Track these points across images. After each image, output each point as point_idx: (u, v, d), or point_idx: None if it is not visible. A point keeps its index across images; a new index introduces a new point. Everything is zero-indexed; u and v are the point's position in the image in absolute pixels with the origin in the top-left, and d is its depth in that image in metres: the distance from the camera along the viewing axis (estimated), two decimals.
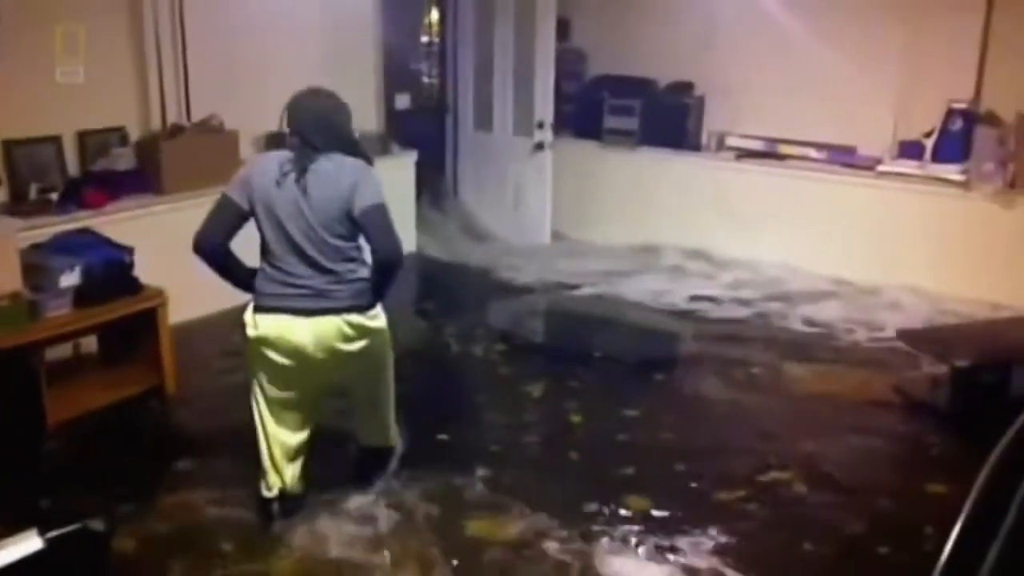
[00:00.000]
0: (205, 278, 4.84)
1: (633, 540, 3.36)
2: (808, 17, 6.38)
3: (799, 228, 6.39)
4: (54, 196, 4.78)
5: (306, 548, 3.29)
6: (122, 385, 4.35)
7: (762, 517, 3.56)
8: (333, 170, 3.18)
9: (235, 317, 5.23)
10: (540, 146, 6.96)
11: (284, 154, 3.23)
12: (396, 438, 3.76)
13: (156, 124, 5.34)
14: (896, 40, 6.15)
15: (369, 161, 3.34)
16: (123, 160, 5.14)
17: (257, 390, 3.37)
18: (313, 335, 3.22)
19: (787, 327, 5.57)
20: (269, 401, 3.37)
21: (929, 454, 4.09)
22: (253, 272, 3.34)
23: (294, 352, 3.24)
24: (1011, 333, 4.83)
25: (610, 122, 7.07)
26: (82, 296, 4.09)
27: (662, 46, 6.99)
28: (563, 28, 7.22)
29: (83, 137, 5.06)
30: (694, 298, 6.02)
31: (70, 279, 4.07)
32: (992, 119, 5.89)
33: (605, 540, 3.35)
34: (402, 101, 7.16)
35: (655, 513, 3.53)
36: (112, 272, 4.22)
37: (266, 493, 3.45)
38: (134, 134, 5.27)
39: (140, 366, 4.44)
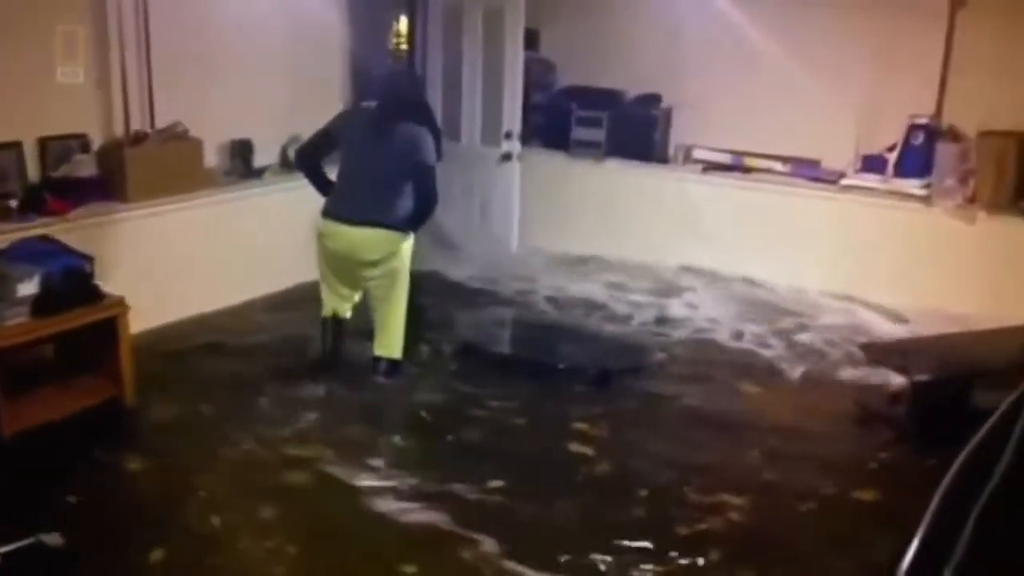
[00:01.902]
0: (168, 286, 4.88)
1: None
2: (773, 32, 6.42)
3: (764, 241, 6.43)
4: (13, 203, 4.71)
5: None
6: (80, 396, 4.27)
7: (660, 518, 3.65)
8: (403, 133, 4.48)
9: (197, 325, 5.30)
10: (508, 156, 6.95)
11: (372, 110, 4.61)
12: (400, 353, 4.77)
13: (119, 131, 5.27)
14: (860, 55, 6.22)
15: (433, 124, 4.66)
16: (85, 167, 5.07)
17: (320, 266, 4.71)
18: (354, 238, 4.50)
19: (747, 339, 5.59)
20: (324, 275, 4.72)
21: (879, 467, 4.14)
22: (331, 184, 4.68)
23: (339, 246, 4.55)
24: (971, 347, 4.88)
25: (578, 133, 7.07)
26: (41, 305, 4.02)
27: (630, 58, 7.01)
28: (532, 38, 7.22)
29: (44, 143, 4.98)
30: (657, 310, 6.05)
31: (28, 288, 3.99)
32: (953, 135, 5.97)
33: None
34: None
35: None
36: (72, 281, 4.15)
37: (324, 313, 4.79)
38: (96, 141, 5.20)
39: (99, 376, 4.37)
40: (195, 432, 4.25)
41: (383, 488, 3.77)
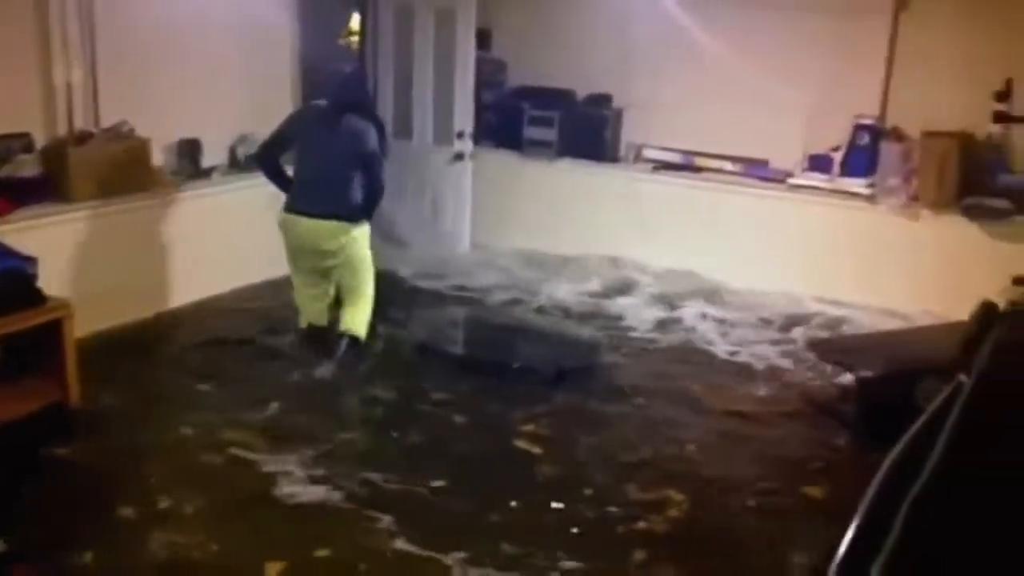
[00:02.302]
0: (114, 287, 4.79)
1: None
2: (722, 34, 6.49)
3: (714, 238, 6.50)
4: None
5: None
6: (26, 398, 4.20)
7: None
8: (349, 126, 4.72)
9: (144, 327, 5.24)
10: (460, 156, 6.96)
11: (322, 108, 4.85)
12: (364, 332, 4.93)
13: (63, 130, 5.19)
14: (807, 57, 6.31)
15: (375, 119, 4.94)
16: (28, 167, 4.98)
17: (289, 265, 4.96)
18: (312, 230, 4.74)
19: (698, 337, 5.65)
20: (292, 265, 4.94)
21: (825, 464, 4.18)
22: (291, 181, 4.91)
23: (299, 238, 4.79)
24: (916, 344, 4.97)
25: (530, 133, 7.10)
26: None
27: (581, 58, 7.04)
28: (484, 38, 7.23)
29: None
30: (608, 307, 6.09)
31: None
32: (897, 135, 6.08)
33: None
34: None
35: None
36: (14, 283, 4.09)
37: (302, 325, 5.03)
38: (40, 140, 5.11)
39: (43, 379, 4.31)
40: (140, 431, 4.21)
41: (313, 476, 3.85)
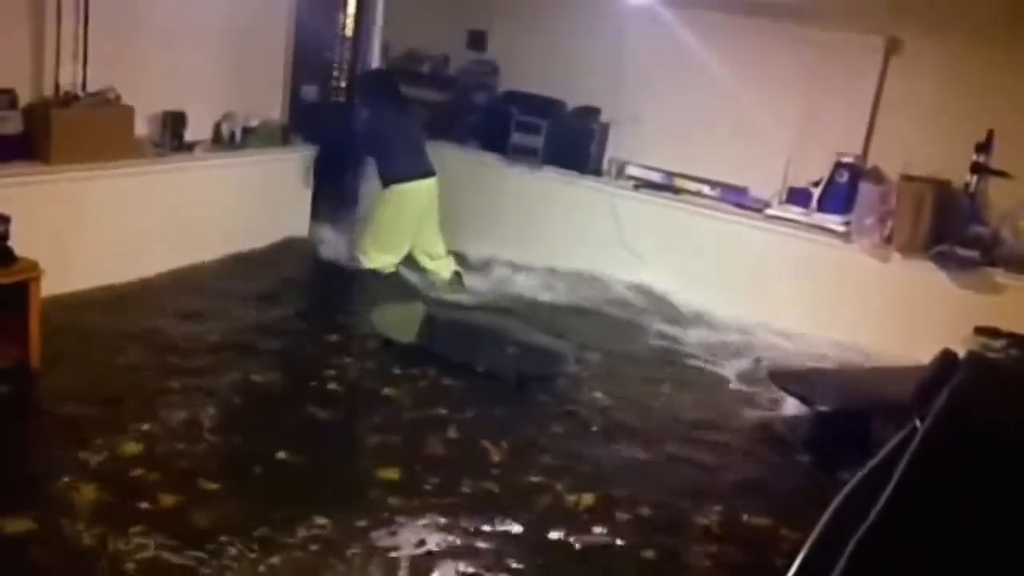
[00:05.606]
0: (82, 253, 4.70)
1: None
2: (715, 60, 6.55)
3: (686, 260, 6.53)
4: None
5: None
6: None
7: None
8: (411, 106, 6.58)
9: (107, 295, 5.18)
10: None
11: (390, 102, 6.38)
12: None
13: (49, 91, 5.14)
14: (795, 90, 6.39)
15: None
16: (10, 124, 4.93)
17: (400, 227, 6.25)
18: (430, 188, 6.28)
19: (660, 358, 5.68)
20: (401, 229, 6.25)
21: (774, 492, 4.22)
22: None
23: (421, 198, 6.25)
24: (875, 381, 5.04)
25: (516, 138, 7.11)
26: None
27: (573, 69, 7.07)
28: (479, 39, 7.25)
29: None
30: (574, 318, 6.13)
31: None
32: (876, 176, 6.16)
33: None
34: (309, 93, 7.06)
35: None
36: None
37: (388, 269, 6.34)
38: (24, 98, 5.06)
39: (5, 340, 4.26)
40: (96, 400, 4.15)
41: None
